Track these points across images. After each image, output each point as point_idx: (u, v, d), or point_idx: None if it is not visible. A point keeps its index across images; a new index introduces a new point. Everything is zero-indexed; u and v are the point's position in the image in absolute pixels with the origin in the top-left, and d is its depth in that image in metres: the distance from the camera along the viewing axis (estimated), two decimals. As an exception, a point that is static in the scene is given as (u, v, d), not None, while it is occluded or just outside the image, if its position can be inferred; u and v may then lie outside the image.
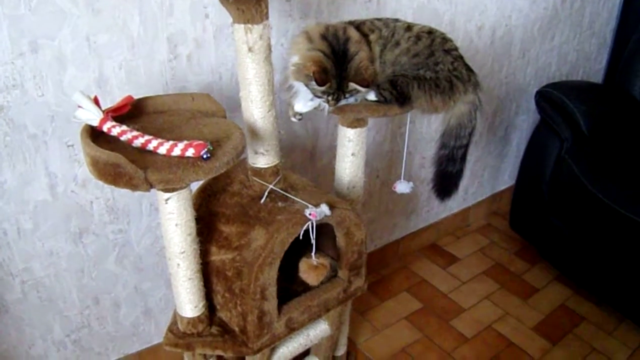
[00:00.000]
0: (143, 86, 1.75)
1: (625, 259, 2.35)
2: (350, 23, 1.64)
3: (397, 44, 1.63)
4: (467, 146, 1.76)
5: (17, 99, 1.57)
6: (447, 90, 1.63)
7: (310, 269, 1.59)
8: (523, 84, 3.07)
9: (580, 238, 2.57)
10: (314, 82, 1.50)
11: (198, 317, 1.58)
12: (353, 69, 1.52)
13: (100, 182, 1.56)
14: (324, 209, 1.50)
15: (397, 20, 1.69)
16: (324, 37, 1.53)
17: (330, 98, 1.55)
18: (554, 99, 2.64)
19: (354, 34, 1.55)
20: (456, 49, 1.69)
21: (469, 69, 1.69)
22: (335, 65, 1.51)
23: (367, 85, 1.52)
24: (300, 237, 1.52)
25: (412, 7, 2.29)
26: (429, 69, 1.62)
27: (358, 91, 1.55)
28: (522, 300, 2.71)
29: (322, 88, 1.51)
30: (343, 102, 1.59)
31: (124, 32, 1.66)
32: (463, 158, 1.79)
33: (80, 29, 1.59)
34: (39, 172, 1.69)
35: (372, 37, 1.62)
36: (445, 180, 1.83)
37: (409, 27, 1.66)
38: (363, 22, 1.64)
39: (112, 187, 1.71)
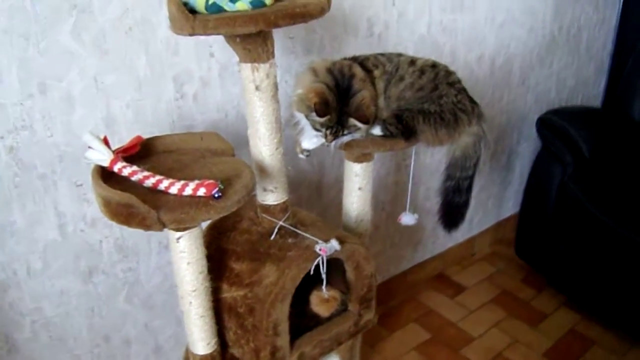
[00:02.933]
0: (150, 125, 1.77)
1: (633, 282, 2.35)
2: (354, 59, 1.65)
3: (402, 78, 1.65)
4: (472, 177, 1.78)
5: (27, 140, 1.58)
6: (452, 123, 1.64)
7: (322, 301, 1.61)
8: (524, 111, 3.08)
9: (587, 262, 2.56)
10: (314, 114, 1.51)
11: (210, 354, 1.58)
12: (354, 105, 1.53)
13: (109, 221, 1.58)
14: (334, 244, 1.51)
15: (400, 54, 1.71)
16: (329, 71, 1.55)
17: (328, 132, 1.56)
18: (555, 125, 2.66)
19: (359, 71, 1.57)
20: (459, 81, 1.70)
21: (472, 101, 1.70)
22: (337, 99, 1.52)
23: (366, 122, 1.53)
24: (311, 272, 1.53)
25: (412, 40, 2.32)
26: (433, 102, 1.64)
27: (357, 127, 1.56)
28: (531, 327, 2.70)
29: (322, 120, 1.52)
30: (344, 138, 1.60)
31: (130, 72, 1.68)
32: (469, 188, 1.80)
33: (88, 70, 1.61)
34: (48, 212, 1.70)
35: (376, 72, 1.63)
36: (452, 211, 1.84)
37: (412, 62, 1.68)
38: (367, 58, 1.65)
39: (121, 226, 1.73)
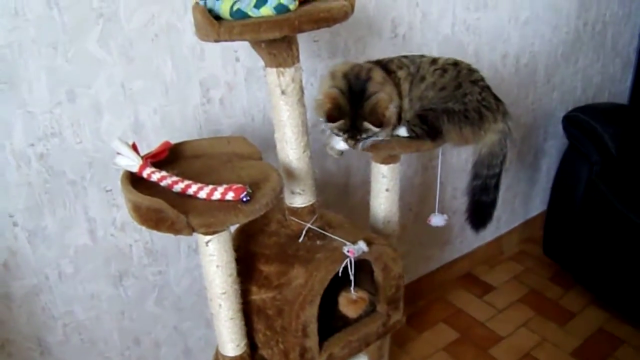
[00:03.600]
0: (178, 130, 1.78)
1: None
2: (378, 62, 1.65)
3: (423, 78, 1.64)
4: (499, 175, 1.76)
5: (56, 147, 1.61)
6: (477, 121, 1.64)
7: (350, 303, 1.61)
8: (549, 109, 3.07)
9: (615, 261, 2.55)
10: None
11: (240, 355, 1.60)
12: (368, 108, 1.52)
13: (139, 226, 1.59)
14: (362, 245, 1.51)
15: (422, 56, 1.71)
16: (345, 75, 1.54)
17: (346, 136, 1.56)
18: (582, 122, 2.64)
19: (377, 75, 1.56)
20: (483, 79, 1.70)
21: (496, 98, 1.69)
22: (350, 103, 1.52)
23: (379, 125, 1.52)
24: (339, 274, 1.54)
25: (437, 40, 2.32)
26: (457, 101, 1.63)
27: (373, 131, 1.55)
28: (559, 326, 2.69)
29: (335, 124, 1.52)
30: (367, 141, 1.60)
31: (157, 78, 1.70)
32: (496, 187, 1.79)
33: (115, 77, 1.63)
34: (78, 217, 1.72)
35: (400, 73, 1.63)
36: (480, 211, 1.83)
37: (434, 61, 1.67)
38: (391, 60, 1.65)
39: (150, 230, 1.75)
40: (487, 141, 1.70)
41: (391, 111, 1.56)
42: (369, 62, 1.66)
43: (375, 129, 1.53)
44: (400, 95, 1.61)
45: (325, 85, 1.56)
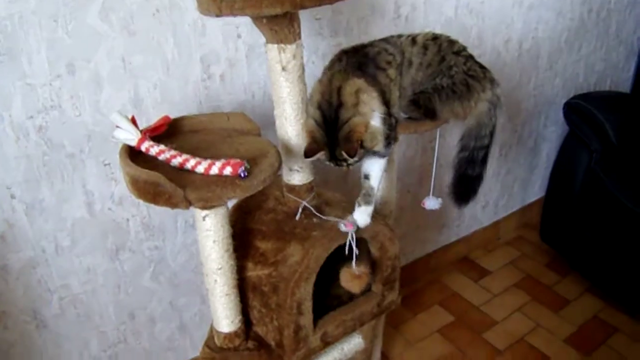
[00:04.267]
0: (177, 105, 1.78)
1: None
2: (362, 47, 1.59)
3: (410, 62, 1.61)
4: (488, 147, 1.69)
5: (55, 119, 1.61)
6: (466, 94, 1.61)
7: (353, 278, 1.62)
8: (551, 95, 3.06)
9: (611, 248, 2.56)
10: None
11: (234, 331, 1.60)
12: (342, 137, 1.43)
13: (136, 200, 1.59)
14: (354, 216, 1.51)
15: (400, 35, 1.67)
16: (319, 104, 1.46)
17: (333, 164, 1.49)
18: (583, 110, 2.64)
19: (349, 94, 1.45)
20: (465, 48, 1.66)
21: (482, 67, 1.66)
22: (326, 133, 1.45)
23: (354, 154, 1.42)
24: (346, 252, 1.55)
25: (439, 22, 2.31)
26: (444, 75, 1.61)
27: (350, 160, 1.46)
28: (553, 312, 2.70)
29: (315, 157, 1.46)
30: (360, 162, 1.55)
31: (158, 53, 1.70)
32: (484, 161, 1.71)
33: (115, 51, 1.63)
34: (76, 190, 1.73)
35: (390, 72, 1.56)
36: (464, 185, 1.75)
37: (413, 40, 1.63)
38: (378, 53, 1.57)
39: (148, 204, 1.75)
40: (474, 111, 1.66)
41: (373, 129, 1.47)
42: (347, 51, 1.59)
43: (351, 160, 1.45)
44: (388, 99, 1.55)
45: (307, 112, 1.51)
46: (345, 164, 1.48)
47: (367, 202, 1.61)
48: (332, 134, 1.44)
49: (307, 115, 1.49)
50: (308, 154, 1.44)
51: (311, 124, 1.45)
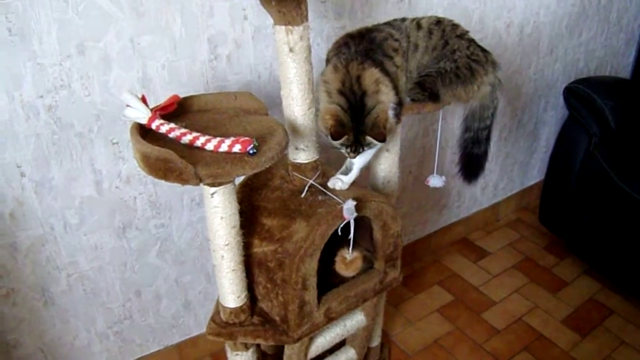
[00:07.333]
0: (185, 85, 1.81)
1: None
2: (368, 31, 1.62)
3: (416, 46, 1.65)
4: (490, 126, 1.79)
5: (65, 99, 1.64)
6: (469, 78, 1.65)
7: (345, 263, 1.65)
8: (551, 80, 3.09)
9: (609, 232, 2.59)
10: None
11: (240, 307, 1.63)
12: (370, 123, 1.51)
13: (144, 178, 1.62)
14: (350, 204, 1.53)
15: (404, 19, 1.71)
16: (341, 92, 1.52)
17: (349, 150, 1.56)
18: (582, 94, 2.66)
19: (369, 83, 1.52)
20: (467, 32, 1.71)
21: (483, 50, 1.71)
22: (352, 118, 1.51)
23: (383, 139, 1.51)
24: (339, 232, 1.57)
25: (442, 6, 2.33)
26: (448, 59, 1.65)
27: (375, 144, 1.55)
28: (551, 294, 2.74)
29: (339, 141, 1.52)
30: (368, 152, 1.61)
31: (166, 33, 1.72)
32: (487, 139, 1.81)
33: (124, 31, 1.65)
34: (85, 169, 1.76)
35: (397, 59, 1.62)
36: (472, 163, 1.86)
37: (418, 24, 1.68)
38: (385, 39, 1.62)
39: (155, 183, 1.78)
40: (477, 94, 1.72)
41: (391, 119, 1.57)
42: (352, 35, 1.63)
43: (378, 143, 1.54)
44: (397, 85, 1.60)
45: (324, 101, 1.55)
46: (361, 149, 1.55)
47: (345, 174, 1.68)
48: (359, 120, 1.51)
49: (326, 101, 1.53)
50: (335, 136, 1.49)
51: (337, 109, 1.50)
